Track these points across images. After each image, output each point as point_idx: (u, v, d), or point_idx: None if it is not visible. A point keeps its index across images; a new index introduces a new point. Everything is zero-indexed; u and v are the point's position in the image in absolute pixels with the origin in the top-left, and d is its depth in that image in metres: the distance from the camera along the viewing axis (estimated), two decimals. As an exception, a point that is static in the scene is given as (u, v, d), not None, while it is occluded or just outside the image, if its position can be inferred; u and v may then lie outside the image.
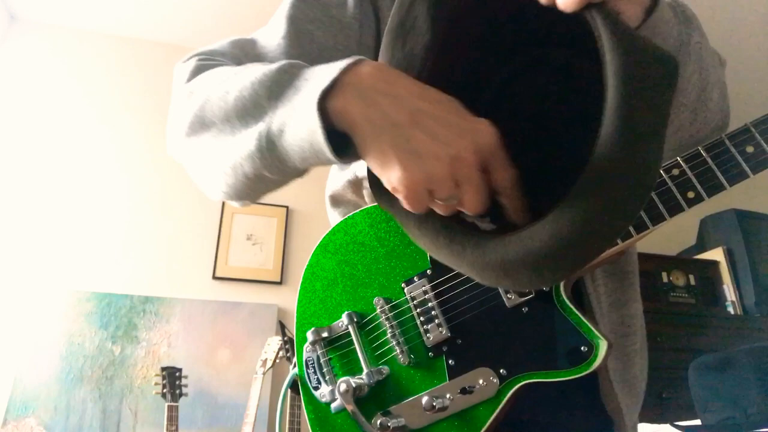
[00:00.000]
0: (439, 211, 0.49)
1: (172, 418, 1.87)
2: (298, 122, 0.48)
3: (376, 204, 0.71)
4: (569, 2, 0.44)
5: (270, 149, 0.51)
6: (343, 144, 0.48)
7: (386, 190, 0.48)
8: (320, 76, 0.48)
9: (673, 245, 2.93)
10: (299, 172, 0.55)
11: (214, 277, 2.47)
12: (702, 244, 2.80)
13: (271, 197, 2.51)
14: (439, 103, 0.47)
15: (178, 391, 1.93)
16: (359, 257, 0.70)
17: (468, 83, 0.59)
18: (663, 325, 2.33)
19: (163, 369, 1.96)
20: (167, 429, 1.85)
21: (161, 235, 2.47)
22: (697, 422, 1.37)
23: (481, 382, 0.60)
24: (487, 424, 0.59)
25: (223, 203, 2.56)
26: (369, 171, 0.52)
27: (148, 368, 2.24)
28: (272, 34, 0.70)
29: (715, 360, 1.37)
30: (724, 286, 2.60)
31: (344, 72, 0.47)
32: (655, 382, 2.20)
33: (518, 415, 0.61)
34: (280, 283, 2.49)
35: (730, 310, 2.55)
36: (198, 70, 0.63)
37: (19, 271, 2.28)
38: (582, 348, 0.56)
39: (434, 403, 0.60)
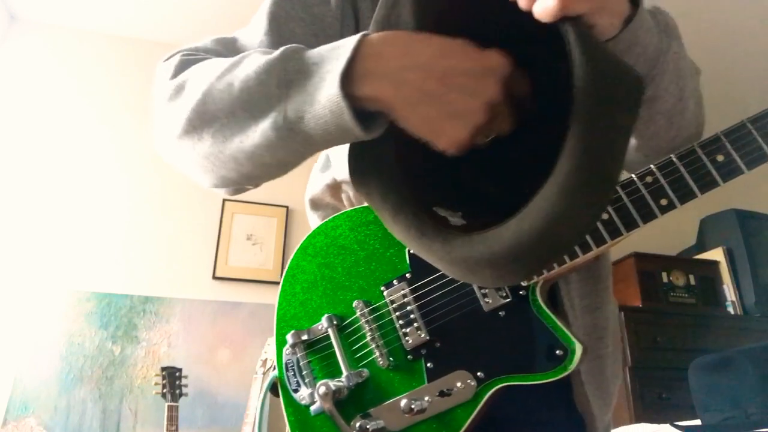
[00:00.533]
0: (479, 144, 0.52)
1: (172, 418, 1.87)
2: (320, 106, 0.49)
3: (356, 208, 0.72)
4: (544, 14, 0.46)
5: (291, 136, 0.51)
6: (369, 119, 0.49)
7: (365, 180, 0.52)
8: (332, 58, 0.49)
9: (673, 245, 2.93)
10: (319, 150, 0.56)
11: (214, 277, 2.47)
12: (702, 244, 2.80)
13: (271, 197, 2.51)
14: (456, 53, 0.49)
15: (178, 391, 1.93)
16: (339, 260, 0.71)
17: None
18: (663, 325, 2.33)
19: (163, 369, 1.96)
20: (167, 429, 1.85)
21: (161, 235, 2.47)
22: (697, 422, 1.37)
23: (459, 384, 0.61)
24: (465, 426, 0.60)
25: (224, 203, 2.57)
26: (349, 159, 0.56)
27: (148, 368, 2.24)
28: (254, 32, 0.70)
29: (715, 360, 1.37)
30: (724, 286, 2.60)
31: (357, 49, 0.48)
32: (655, 382, 2.20)
33: (492, 413, 0.62)
34: (280, 283, 2.48)
35: (730, 310, 2.55)
36: (183, 65, 0.62)
37: (19, 271, 2.28)
38: (557, 351, 0.57)
39: (412, 406, 0.61)
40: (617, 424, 1.97)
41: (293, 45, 0.54)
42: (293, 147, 0.53)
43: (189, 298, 2.40)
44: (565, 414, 0.68)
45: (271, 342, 2.08)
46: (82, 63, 2.66)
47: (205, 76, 0.57)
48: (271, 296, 2.79)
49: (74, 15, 2.63)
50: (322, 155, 0.86)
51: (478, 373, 0.61)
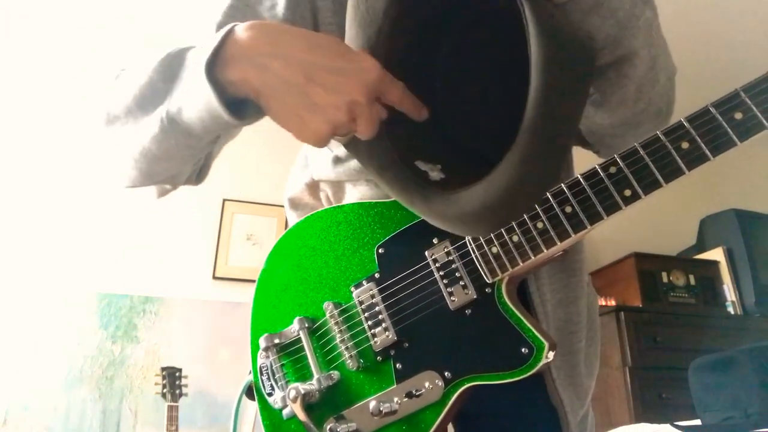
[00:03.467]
0: (337, 141, 0.55)
1: (172, 418, 1.87)
2: (194, 95, 0.52)
3: (327, 208, 0.72)
4: None
5: (172, 127, 0.54)
6: (242, 108, 0.52)
7: (353, 139, 0.54)
8: (203, 49, 0.52)
9: (673, 245, 2.93)
10: (207, 142, 0.59)
11: (214, 277, 2.47)
12: (702, 244, 2.80)
13: (271, 197, 2.50)
14: (324, 50, 0.51)
15: (178, 391, 1.93)
16: (310, 262, 0.70)
17: (421, 47, 0.62)
18: (663, 325, 2.33)
19: (163, 369, 1.96)
20: (167, 429, 1.85)
21: (161, 235, 2.47)
22: (697, 422, 1.37)
23: (427, 385, 0.60)
24: (433, 427, 0.59)
25: (224, 203, 2.57)
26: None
27: (148, 368, 2.24)
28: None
29: (715, 360, 1.37)
30: (724, 286, 2.60)
31: (224, 40, 0.51)
32: (655, 382, 2.20)
33: (464, 410, 0.62)
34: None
35: (730, 310, 2.55)
36: (115, 79, 0.67)
37: (20, 272, 2.28)
38: (523, 350, 0.56)
39: (381, 408, 0.60)
40: (617, 424, 1.97)
41: (183, 46, 0.57)
42: (177, 138, 0.55)
43: (189, 298, 2.40)
44: (538, 409, 0.68)
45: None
46: (81, 63, 2.65)
47: (115, 83, 0.63)
48: (271, 296, 2.71)
49: (73, 15, 2.63)
50: (300, 155, 0.87)
51: (446, 373, 0.60)
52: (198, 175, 0.73)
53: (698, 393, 1.38)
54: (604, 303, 2.43)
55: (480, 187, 0.50)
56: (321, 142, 0.51)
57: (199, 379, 2.24)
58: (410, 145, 0.60)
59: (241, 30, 0.51)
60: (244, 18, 0.70)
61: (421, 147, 0.61)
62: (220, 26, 0.69)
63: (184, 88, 0.53)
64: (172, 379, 1.93)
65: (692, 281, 2.55)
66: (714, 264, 2.64)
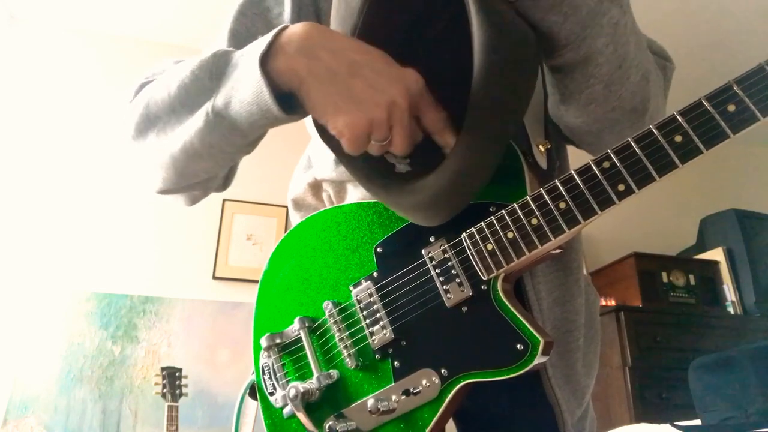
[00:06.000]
0: (371, 151, 0.55)
1: (172, 418, 1.87)
2: (243, 89, 0.53)
3: (327, 209, 0.73)
4: None
5: (218, 121, 0.55)
6: (289, 103, 0.53)
7: (328, 131, 0.55)
8: (256, 45, 0.54)
9: (673, 245, 2.93)
10: (249, 142, 0.61)
11: (214, 277, 2.47)
12: (702, 244, 2.80)
13: (271, 197, 2.50)
14: (371, 54, 0.53)
15: (178, 391, 1.93)
16: (311, 262, 0.71)
17: (404, 39, 0.65)
18: (663, 325, 2.34)
19: (163, 369, 1.96)
20: (167, 429, 1.85)
21: (161, 235, 2.47)
22: (697, 422, 1.37)
23: (424, 383, 0.60)
24: (431, 425, 0.59)
25: (224, 203, 2.57)
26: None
27: (148, 368, 2.24)
28: (213, 48, 0.74)
29: (715, 360, 1.37)
30: (724, 286, 2.60)
31: (277, 35, 0.53)
32: (655, 382, 2.20)
33: (463, 407, 0.62)
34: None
35: (730, 310, 2.55)
36: (140, 88, 0.69)
37: (20, 272, 2.28)
38: (518, 346, 0.56)
39: (379, 406, 0.60)
40: (617, 424, 1.97)
41: (225, 48, 0.60)
42: (221, 133, 0.56)
43: (189, 298, 2.40)
44: (535, 407, 0.68)
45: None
46: (82, 63, 2.66)
47: (151, 87, 0.65)
48: (271, 296, 2.71)
49: (74, 15, 2.63)
50: (303, 156, 0.88)
51: (442, 371, 0.60)
52: (224, 181, 0.77)
53: (698, 393, 1.38)
54: (604, 303, 2.43)
55: (432, 177, 0.55)
56: (355, 139, 0.51)
57: (199, 379, 2.24)
58: None
59: (295, 27, 0.53)
60: (254, 25, 0.74)
61: None
62: (232, 32, 0.73)
63: (233, 84, 0.54)
64: (172, 379, 1.93)
65: (692, 281, 2.55)
66: (714, 264, 2.65)
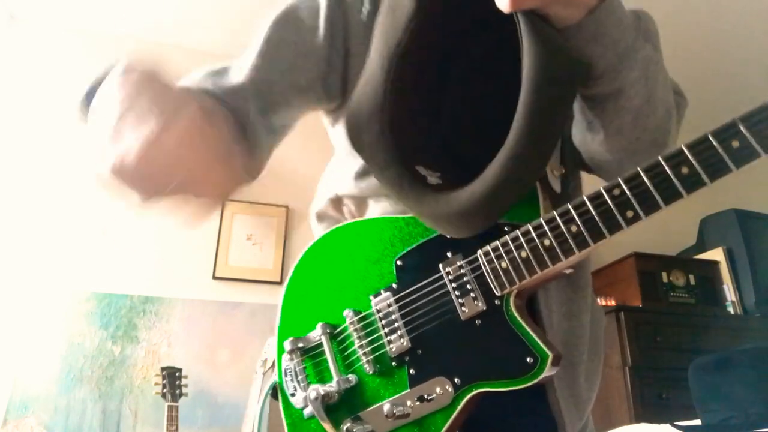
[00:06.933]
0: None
1: (172, 418, 1.87)
2: None
3: (351, 222, 0.77)
4: (502, 4, 0.53)
5: None
6: None
7: (359, 139, 0.60)
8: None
9: (673, 245, 2.93)
10: None
11: (214, 277, 2.47)
12: (702, 244, 2.80)
13: (271, 197, 2.50)
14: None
15: (178, 391, 1.93)
16: (333, 271, 0.75)
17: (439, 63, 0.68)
18: (663, 325, 2.34)
19: (163, 369, 1.96)
20: (167, 429, 1.85)
21: (161, 235, 2.47)
22: (697, 422, 1.37)
23: (438, 390, 0.63)
24: (443, 431, 0.62)
25: (224, 203, 2.57)
26: (347, 121, 0.65)
27: (148, 368, 2.24)
28: (247, 54, 0.78)
29: (715, 360, 1.37)
30: (724, 286, 2.60)
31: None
32: (655, 382, 2.20)
33: (471, 418, 0.64)
34: (280, 283, 2.49)
35: (730, 310, 2.55)
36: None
37: (20, 272, 2.28)
38: (528, 359, 0.59)
39: (395, 411, 0.64)
40: (617, 424, 1.97)
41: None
42: None
43: (189, 298, 2.40)
44: (538, 419, 0.69)
45: (271, 342, 2.08)
46: (82, 63, 2.65)
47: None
48: (271, 296, 2.79)
49: (74, 15, 2.63)
50: (325, 172, 0.92)
51: (455, 380, 0.63)
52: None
53: (698, 393, 1.38)
54: (604, 303, 2.43)
55: (468, 188, 0.56)
56: None
57: (199, 379, 2.24)
58: (415, 149, 0.65)
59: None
60: (288, 33, 0.77)
61: (424, 154, 0.65)
62: (268, 41, 0.76)
63: None
64: (172, 379, 1.93)
65: (692, 281, 2.55)
66: (714, 264, 2.65)
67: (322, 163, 0.93)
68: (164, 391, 1.91)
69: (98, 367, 2.21)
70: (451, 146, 0.68)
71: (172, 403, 1.90)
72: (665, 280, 2.51)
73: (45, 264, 2.31)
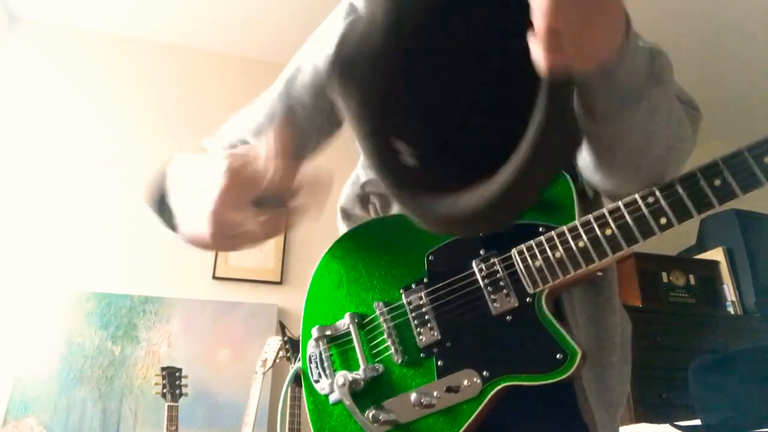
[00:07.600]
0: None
1: (172, 418, 1.87)
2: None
3: (380, 217, 0.80)
4: (547, 70, 0.45)
5: None
6: None
7: (349, 99, 0.57)
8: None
9: (673, 245, 2.93)
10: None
11: (214, 277, 2.47)
12: (702, 244, 2.80)
13: (271, 197, 2.41)
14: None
15: (178, 391, 1.93)
16: (363, 264, 0.77)
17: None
18: (663, 325, 2.33)
19: (163, 369, 1.96)
20: (167, 429, 1.85)
21: (161, 235, 2.46)
22: (697, 422, 1.37)
23: (465, 382, 0.65)
24: (469, 421, 0.64)
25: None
26: (339, 77, 0.60)
27: (148, 368, 2.24)
28: (269, 92, 0.80)
29: (715, 360, 1.37)
30: (724, 286, 2.60)
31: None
32: (655, 382, 2.20)
33: (499, 417, 0.65)
34: (280, 283, 2.49)
35: (730, 310, 2.55)
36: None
37: (20, 272, 2.28)
38: (558, 356, 0.61)
39: (422, 400, 0.65)
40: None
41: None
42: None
43: (189, 298, 2.40)
44: (569, 422, 0.69)
45: (271, 342, 2.08)
46: (82, 63, 2.66)
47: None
48: (271, 296, 2.78)
49: (74, 15, 2.63)
50: (354, 172, 0.94)
51: (484, 372, 0.64)
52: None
53: (698, 393, 1.38)
54: (604, 303, 2.43)
55: (452, 198, 0.55)
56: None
57: (199, 379, 2.24)
58: (396, 119, 0.59)
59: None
60: (306, 76, 0.76)
61: (403, 125, 0.60)
62: (286, 80, 0.77)
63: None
64: (172, 379, 1.93)
65: (692, 281, 2.55)
66: (714, 264, 2.65)
67: (321, 164, 0.94)
68: (164, 391, 1.91)
69: (98, 367, 2.21)
70: (436, 127, 0.62)
71: (172, 403, 1.90)
72: (665, 280, 2.51)
73: (45, 264, 2.31)
